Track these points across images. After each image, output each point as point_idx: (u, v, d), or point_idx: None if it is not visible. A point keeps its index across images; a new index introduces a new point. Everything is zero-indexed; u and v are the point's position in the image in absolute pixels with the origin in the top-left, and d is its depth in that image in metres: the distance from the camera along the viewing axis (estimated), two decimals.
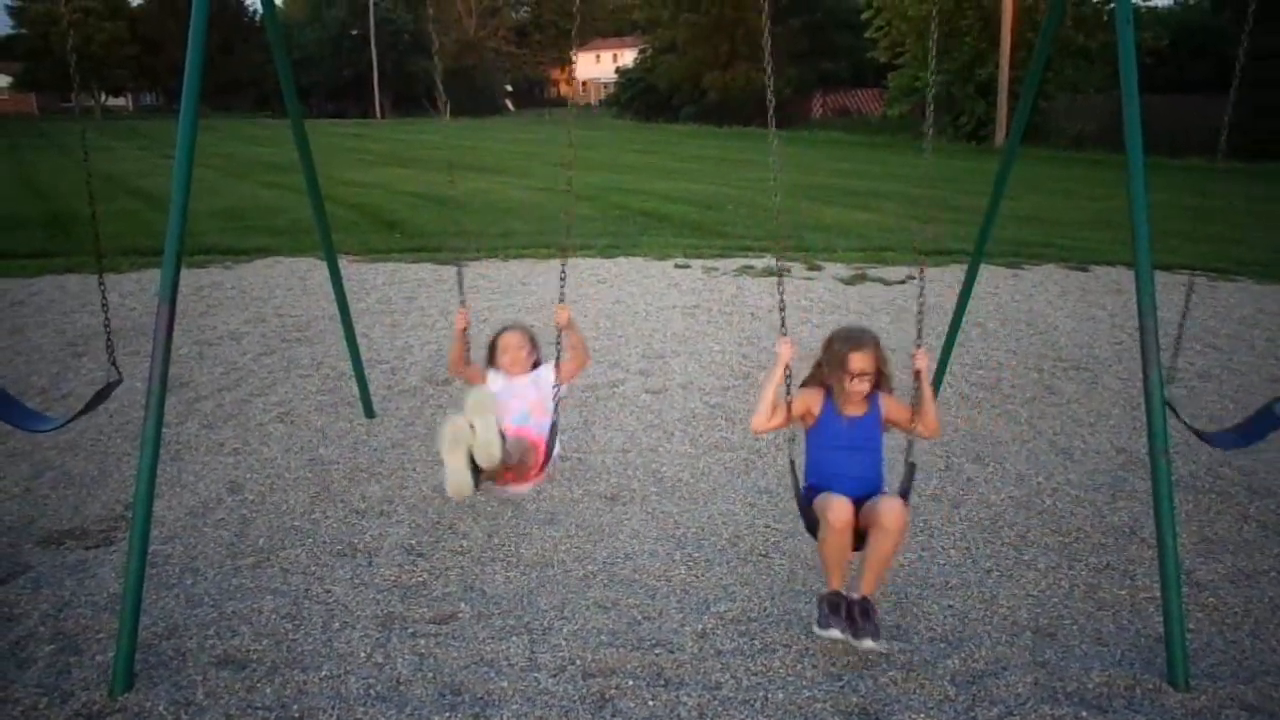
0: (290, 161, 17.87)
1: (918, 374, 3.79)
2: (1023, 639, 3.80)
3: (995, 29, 32.19)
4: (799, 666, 3.59)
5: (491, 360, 4.70)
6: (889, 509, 3.49)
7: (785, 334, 3.86)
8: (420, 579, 4.22)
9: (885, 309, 9.29)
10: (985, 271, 9.39)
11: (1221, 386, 7.05)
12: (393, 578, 4.23)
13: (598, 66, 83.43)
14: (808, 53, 47.30)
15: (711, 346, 7.95)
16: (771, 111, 3.97)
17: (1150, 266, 3.64)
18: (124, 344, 7.36)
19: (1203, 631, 3.88)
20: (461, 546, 4.53)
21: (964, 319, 6.27)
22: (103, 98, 71.47)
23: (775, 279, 10.51)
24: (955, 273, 10.56)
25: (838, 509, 3.49)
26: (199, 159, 3.83)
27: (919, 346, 3.81)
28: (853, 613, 3.51)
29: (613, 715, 3.30)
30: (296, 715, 3.28)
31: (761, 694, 3.42)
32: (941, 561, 4.44)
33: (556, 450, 4.37)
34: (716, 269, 11.11)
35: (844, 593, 3.58)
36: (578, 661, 3.61)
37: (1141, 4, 33.47)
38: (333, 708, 3.31)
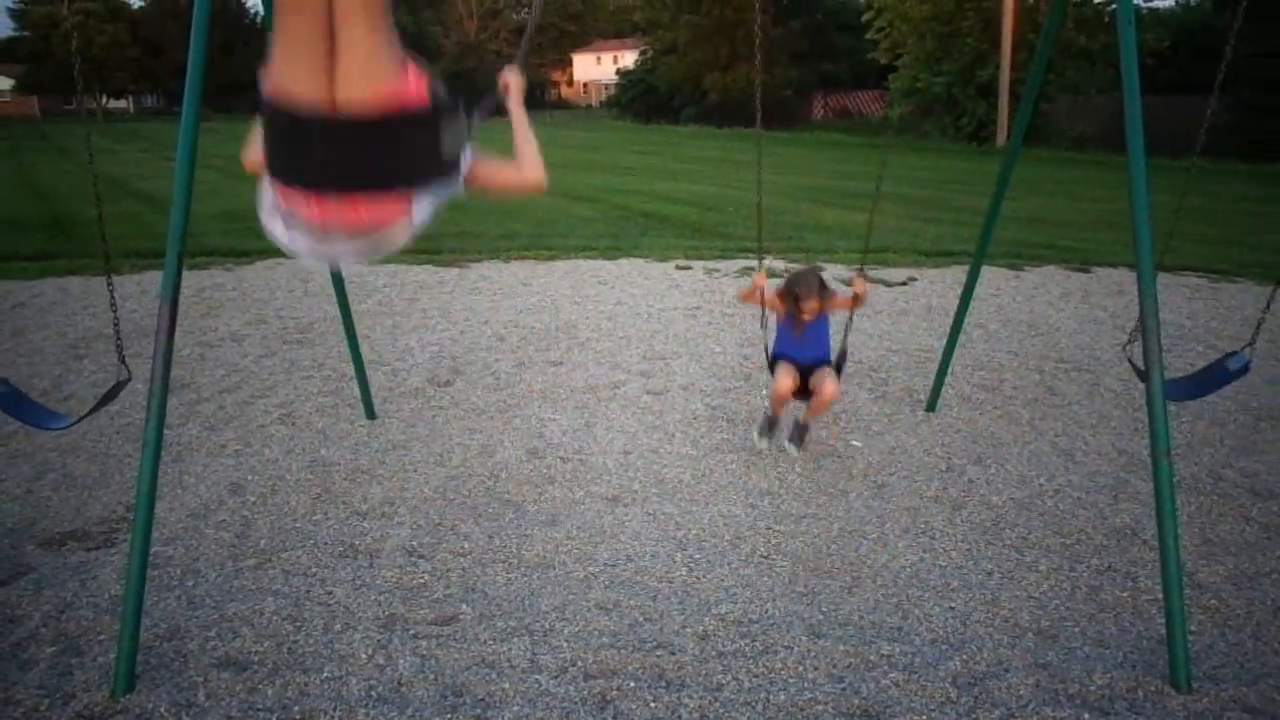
0: None
1: (856, 297, 5.48)
2: (1024, 641, 3.80)
3: (996, 30, 32.20)
4: (801, 668, 3.59)
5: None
6: (827, 386, 5.17)
7: (763, 266, 5.64)
8: (421, 580, 4.22)
9: (885, 310, 9.28)
10: (987, 272, 9.41)
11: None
12: (394, 579, 4.23)
13: (598, 68, 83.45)
14: (808, 54, 47.35)
15: (713, 348, 7.95)
16: (759, 114, 5.31)
17: (1152, 268, 3.64)
18: (126, 346, 7.28)
19: (1205, 633, 3.87)
20: (463, 548, 4.53)
21: (965, 320, 6.27)
22: (104, 100, 71.56)
23: (776, 280, 10.51)
24: (957, 274, 10.57)
25: (781, 384, 5.24)
26: (200, 160, 3.83)
27: (860, 272, 5.84)
28: (792, 431, 5.54)
29: (614, 717, 3.30)
30: (298, 717, 3.28)
31: (763, 695, 3.42)
32: (943, 563, 4.44)
33: (429, 208, 3.01)
34: (718, 270, 11.11)
35: (778, 416, 5.50)
36: (579, 663, 3.61)
37: (1143, 5, 33.51)
38: (334, 709, 3.31)
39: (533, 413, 6.39)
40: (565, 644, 3.73)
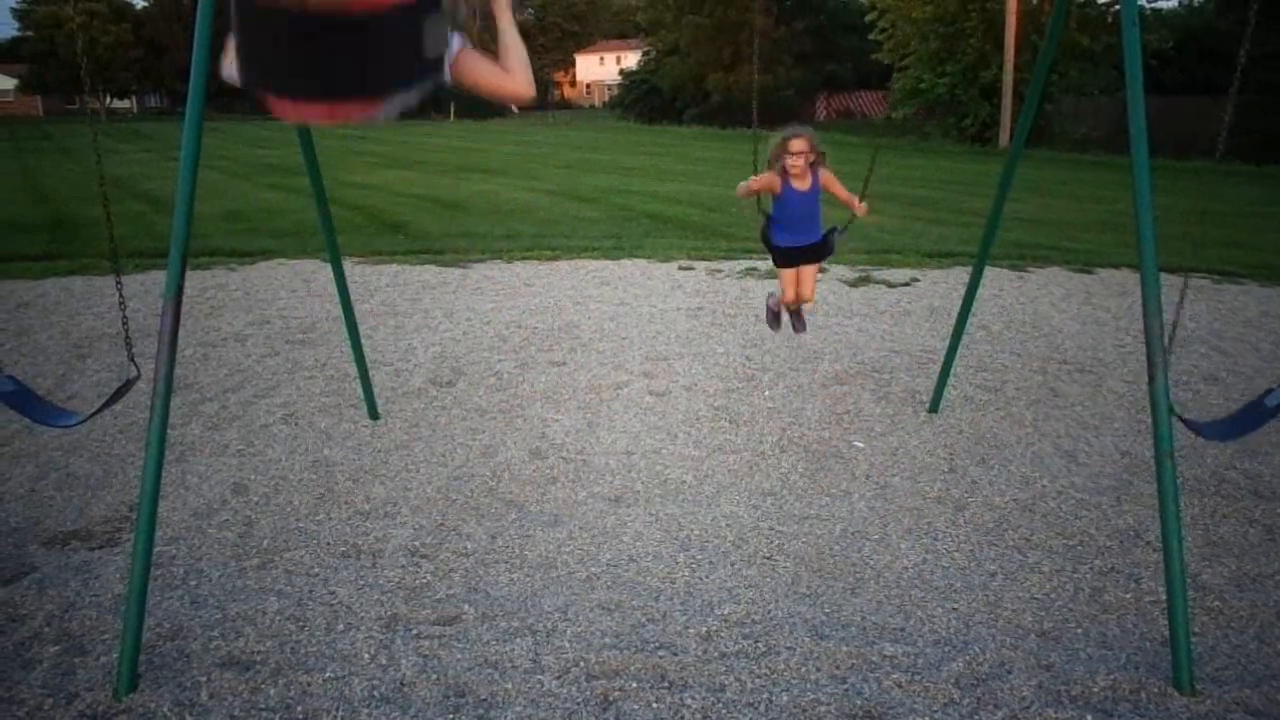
0: (294, 163, 17.92)
1: (857, 210, 5.79)
2: (1027, 642, 3.79)
3: (999, 31, 32.17)
4: (803, 669, 3.59)
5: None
6: (806, 283, 5.94)
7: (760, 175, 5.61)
8: (424, 580, 4.22)
9: (890, 310, 9.28)
10: (989, 274, 9.40)
11: (1227, 390, 7.03)
12: (397, 579, 4.23)
13: (601, 69, 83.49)
14: (811, 55, 47.34)
15: (715, 349, 7.95)
16: (755, 113, 5.53)
17: (1156, 269, 3.64)
18: (131, 346, 7.36)
19: (1208, 635, 3.87)
20: (465, 548, 4.54)
21: (968, 321, 6.26)
22: (108, 100, 71.64)
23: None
24: (959, 275, 10.56)
25: (786, 296, 5.96)
26: (204, 161, 3.84)
27: (862, 199, 5.80)
28: (793, 320, 6.20)
29: (616, 717, 3.30)
30: (300, 717, 3.29)
31: (766, 696, 3.42)
32: (945, 564, 4.43)
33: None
34: (721, 271, 11.11)
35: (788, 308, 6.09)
36: (582, 664, 3.61)
37: (1147, 6, 33.45)
38: (336, 709, 3.32)
39: (535, 413, 6.39)
40: (568, 644, 3.73)
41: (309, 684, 3.46)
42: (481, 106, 54.18)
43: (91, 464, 5.51)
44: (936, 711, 3.34)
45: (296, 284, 10.26)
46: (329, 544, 4.56)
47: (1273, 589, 4.24)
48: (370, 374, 6.30)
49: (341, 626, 3.85)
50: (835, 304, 9.57)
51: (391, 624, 3.87)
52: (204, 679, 3.48)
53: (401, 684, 3.47)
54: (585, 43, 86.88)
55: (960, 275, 10.44)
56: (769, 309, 6.37)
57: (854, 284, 10.51)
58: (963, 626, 3.91)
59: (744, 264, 11.53)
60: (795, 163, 5.49)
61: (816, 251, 5.77)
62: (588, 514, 4.93)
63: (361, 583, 4.20)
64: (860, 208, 5.71)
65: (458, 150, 32.29)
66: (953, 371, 6.49)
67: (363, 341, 6.25)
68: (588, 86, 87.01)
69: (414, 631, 3.81)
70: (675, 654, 3.67)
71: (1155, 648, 3.75)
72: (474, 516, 4.88)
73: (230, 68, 2.71)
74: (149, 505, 3.50)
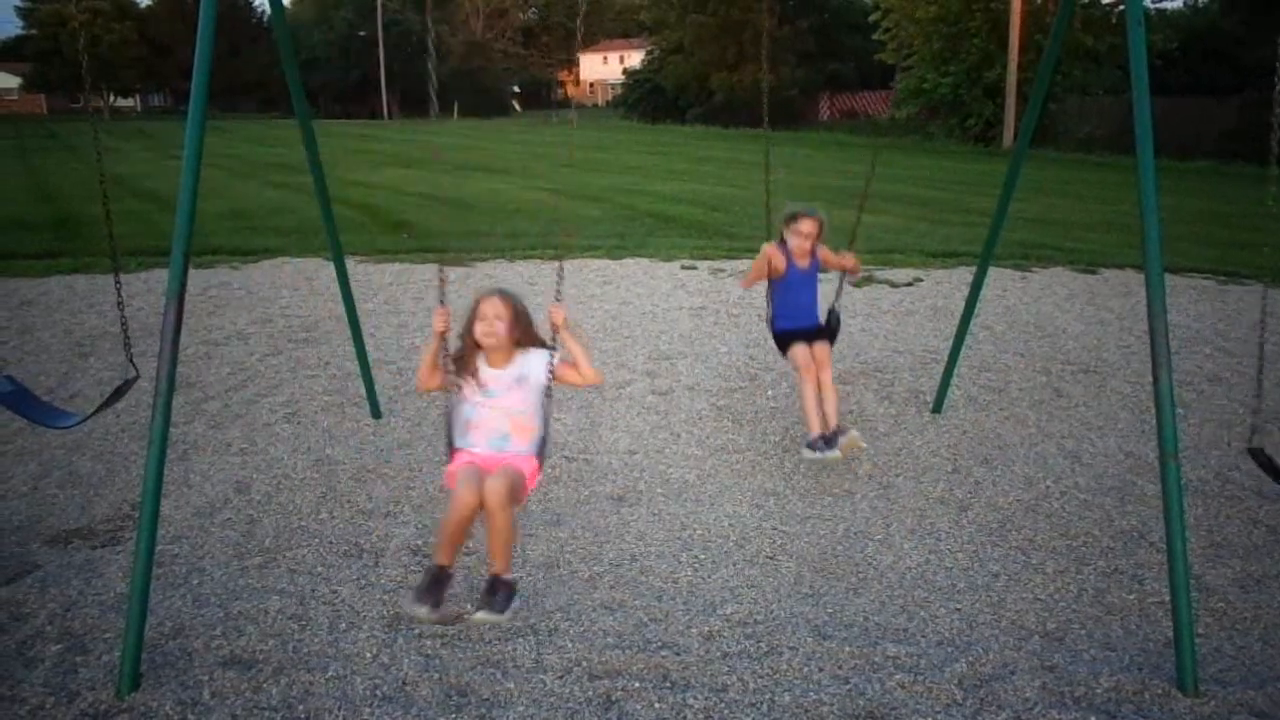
0: (297, 162, 17.91)
1: (850, 269, 5.73)
2: (1030, 643, 3.78)
3: (1004, 30, 32.12)
4: (806, 669, 3.58)
5: (469, 331, 3.99)
6: (819, 355, 5.44)
7: (773, 241, 5.54)
8: None
9: (892, 310, 9.27)
10: (993, 274, 9.37)
11: (1231, 390, 7.02)
12: (399, 578, 4.22)
13: (605, 68, 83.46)
14: (815, 54, 47.29)
15: (718, 348, 7.94)
16: (766, 112, 5.28)
17: (1161, 269, 3.63)
18: (132, 344, 7.35)
19: (1212, 637, 3.86)
20: (467, 547, 4.52)
21: (972, 321, 6.25)
22: (111, 99, 71.71)
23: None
24: (963, 275, 10.55)
25: (803, 356, 5.40)
26: (206, 159, 3.83)
27: (851, 247, 5.79)
28: (831, 438, 5.24)
29: (619, 717, 3.29)
30: (303, 716, 3.28)
31: (768, 697, 3.41)
32: (949, 565, 4.43)
33: (547, 453, 3.80)
34: (724, 270, 11.10)
35: (822, 429, 5.30)
36: (584, 663, 3.60)
37: (1151, 6, 33.40)
38: (339, 708, 3.31)
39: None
40: (570, 644, 3.72)
41: (311, 683, 3.46)
42: (484, 105, 54.14)
43: (94, 462, 5.51)
44: (939, 712, 3.33)
45: (299, 282, 10.26)
46: (331, 543, 4.56)
47: (1277, 590, 4.23)
48: (373, 373, 6.30)
49: (344, 625, 3.84)
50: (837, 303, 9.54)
51: (394, 623, 3.87)
52: (206, 678, 3.47)
53: (403, 683, 3.47)
54: (589, 42, 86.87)
55: (964, 275, 10.43)
56: (811, 448, 5.30)
57: (857, 284, 10.49)
58: (966, 627, 3.90)
59: (747, 263, 11.50)
60: (802, 245, 5.49)
61: (821, 332, 5.61)
62: (590, 513, 4.92)
63: (364, 582, 4.19)
64: (852, 263, 5.67)
65: (461, 149, 32.28)
66: (956, 372, 6.48)
67: (365, 340, 6.24)
68: (591, 86, 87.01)
69: (416, 631, 3.81)
70: (678, 654, 3.67)
71: (1159, 649, 3.74)
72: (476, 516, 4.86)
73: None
74: (151, 504, 3.50)
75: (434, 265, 11.23)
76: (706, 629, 3.84)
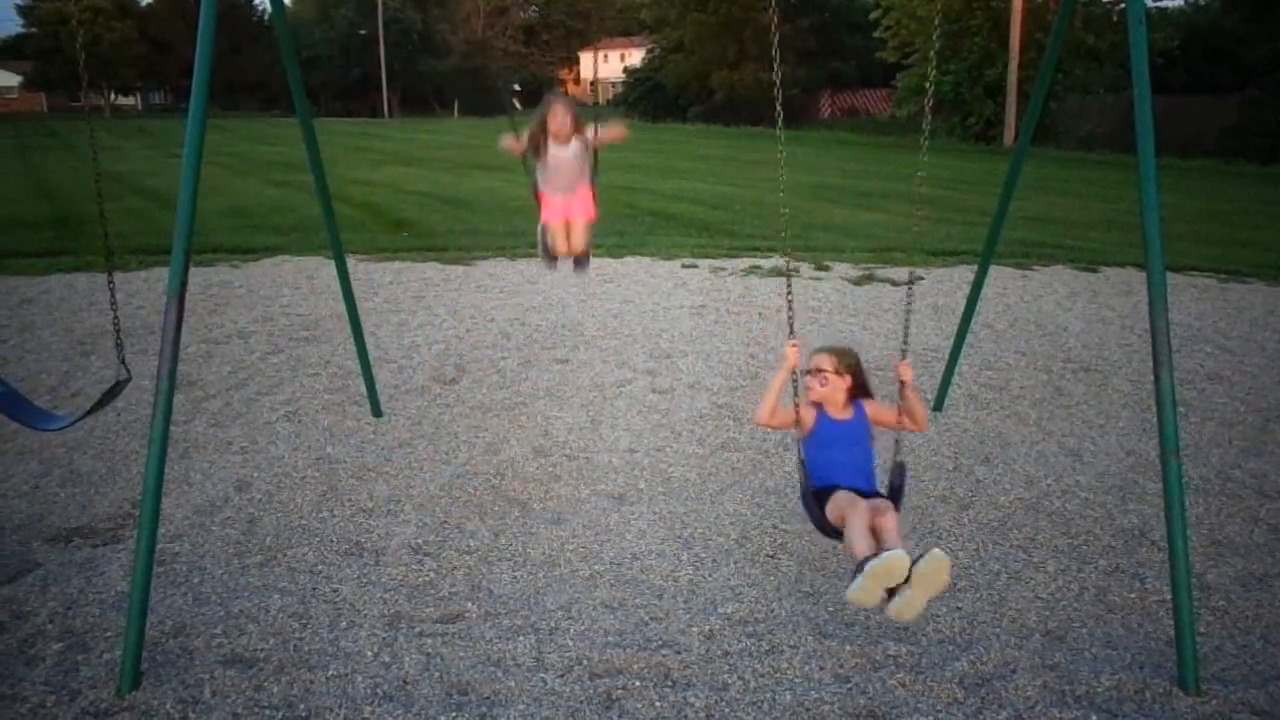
0: (298, 160, 17.91)
1: (903, 383, 4.02)
2: (1032, 642, 3.78)
3: (1005, 29, 32.11)
4: (806, 668, 3.58)
5: (542, 127, 5.10)
6: (881, 509, 3.71)
7: (794, 339, 3.97)
8: (427, 578, 4.22)
9: (893, 309, 9.26)
10: (994, 272, 9.38)
11: (1232, 389, 7.02)
12: (400, 577, 4.22)
13: (605, 66, 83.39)
14: (816, 52, 47.25)
15: (719, 346, 7.94)
16: (780, 107, 4.20)
17: (1162, 268, 3.62)
18: (132, 342, 7.37)
19: (1213, 635, 3.85)
20: (468, 546, 4.53)
21: (973, 320, 6.25)
22: (111, 97, 71.71)
23: (783, 279, 10.50)
24: (964, 273, 10.54)
25: (860, 510, 3.65)
26: (207, 157, 3.83)
27: (904, 356, 4.06)
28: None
29: (620, 716, 3.29)
30: (303, 714, 3.28)
31: (769, 695, 3.41)
32: (950, 563, 4.41)
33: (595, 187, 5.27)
34: (724, 269, 11.10)
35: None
36: (585, 662, 3.60)
37: (1152, 5, 33.39)
38: (339, 707, 3.31)
39: (539, 411, 6.38)
40: (571, 642, 3.72)
41: (312, 681, 3.46)
42: (485, 104, 54.16)
43: (95, 461, 5.51)
44: (940, 711, 3.33)
45: (300, 281, 10.26)
46: (332, 541, 4.56)
47: (1278, 589, 4.23)
48: (373, 371, 6.30)
49: (344, 624, 3.84)
50: (838, 302, 9.55)
51: (394, 622, 3.87)
52: (207, 676, 3.47)
53: (404, 682, 3.47)
54: (589, 40, 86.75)
55: (965, 274, 10.42)
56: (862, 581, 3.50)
57: (857, 282, 10.50)
58: (967, 626, 3.90)
59: (747, 262, 11.52)
60: (813, 384, 4.02)
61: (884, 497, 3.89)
62: (591, 512, 4.92)
63: (364, 580, 4.19)
64: (906, 374, 4.01)
65: (461, 147, 32.27)
66: (957, 370, 6.47)
67: (366, 339, 6.24)
68: (591, 84, 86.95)
69: (417, 629, 3.81)
70: (678, 652, 3.66)
71: (1160, 647, 3.74)
72: (477, 514, 4.87)
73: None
74: (152, 502, 3.50)
75: (434, 264, 11.22)
76: (707, 627, 3.84)
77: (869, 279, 10.60)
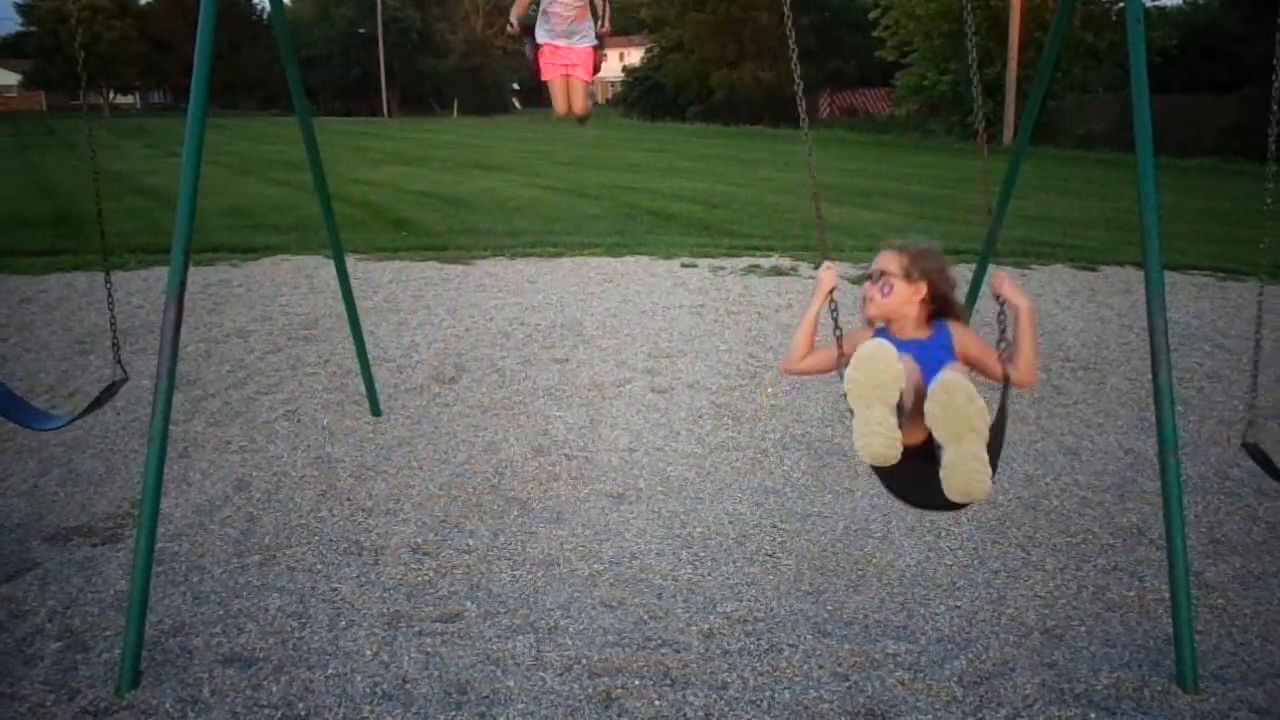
0: (297, 159, 17.90)
1: (999, 297, 3.04)
2: (1030, 640, 3.78)
3: (1003, 28, 32.10)
4: (806, 667, 3.58)
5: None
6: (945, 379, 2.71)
7: (829, 261, 3.29)
8: (426, 577, 4.22)
9: None
10: (993, 271, 9.38)
11: (1231, 387, 7.02)
12: (399, 576, 4.23)
13: (604, 65, 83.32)
14: (815, 51, 47.23)
15: (718, 346, 7.94)
16: (800, 92, 3.86)
17: (1160, 266, 3.63)
18: (131, 341, 7.38)
19: (1211, 633, 3.86)
20: (468, 545, 4.53)
21: (971, 319, 6.24)
22: (111, 96, 71.68)
23: (783, 278, 10.51)
24: (963, 272, 10.52)
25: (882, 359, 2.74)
26: (206, 156, 3.83)
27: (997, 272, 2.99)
28: None
29: (619, 715, 3.29)
30: (302, 713, 3.28)
31: (768, 694, 3.41)
32: (949, 562, 4.42)
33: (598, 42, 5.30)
34: (724, 268, 11.10)
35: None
36: (584, 661, 3.60)
37: (1150, 3, 33.38)
38: (339, 706, 3.31)
39: (538, 410, 6.38)
40: (570, 642, 3.72)
41: (311, 681, 3.46)
42: (485, 103, 54.16)
43: (94, 460, 5.51)
44: (939, 709, 3.33)
45: (299, 280, 10.26)
46: (331, 541, 4.56)
47: (1277, 587, 4.23)
48: (373, 370, 6.30)
49: (343, 623, 3.84)
50: (840, 302, 9.53)
51: (394, 621, 3.87)
52: (206, 675, 3.47)
53: (403, 681, 3.47)
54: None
55: (963, 273, 10.39)
56: None
57: (857, 281, 10.49)
58: (965, 624, 3.90)
59: (747, 261, 11.52)
60: (872, 293, 3.15)
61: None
62: (590, 511, 4.92)
63: (363, 580, 4.19)
64: (1007, 289, 3.26)
65: (461, 147, 32.28)
66: None
67: (365, 338, 6.24)
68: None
69: (416, 629, 3.81)
70: (677, 651, 3.67)
71: (1159, 645, 3.74)
72: (476, 513, 4.87)
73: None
74: (151, 501, 3.50)
75: (433, 263, 11.21)
76: (706, 626, 3.84)
77: (868, 278, 10.59)
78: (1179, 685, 3.46)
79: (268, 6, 5.02)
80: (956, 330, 3.02)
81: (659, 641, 3.73)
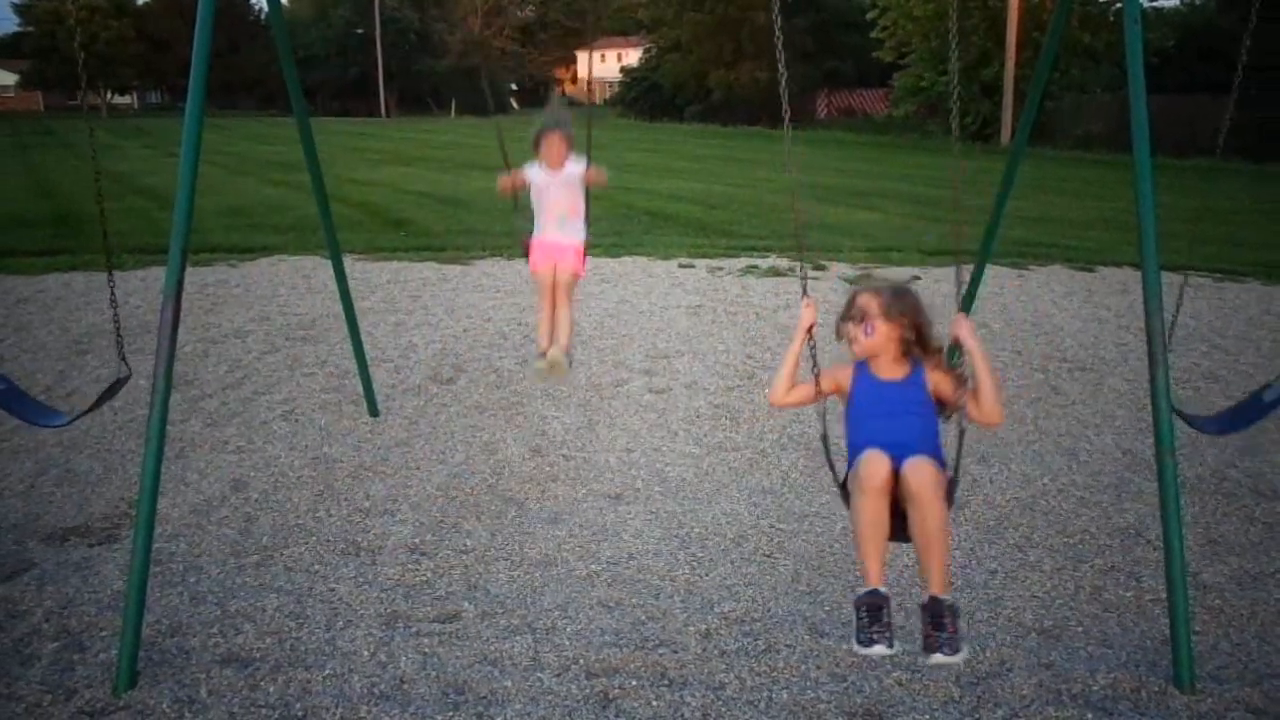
0: (295, 160, 17.88)
1: (956, 341, 3.25)
2: (1028, 640, 3.79)
3: (1001, 28, 32.13)
4: (803, 667, 3.58)
5: (535, 150, 5.25)
6: (913, 468, 2.94)
7: (808, 297, 3.40)
8: (424, 578, 4.22)
9: None
10: (990, 272, 9.39)
11: (1227, 388, 7.03)
12: (396, 576, 4.22)
13: (603, 66, 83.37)
14: (813, 52, 47.26)
15: (716, 346, 7.94)
16: (784, 98, 3.62)
17: (1158, 267, 3.63)
18: (129, 341, 7.28)
19: (1208, 634, 3.86)
20: (465, 545, 4.53)
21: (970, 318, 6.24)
22: (109, 96, 71.60)
23: (780, 278, 10.52)
24: (961, 273, 10.53)
25: (872, 463, 2.95)
26: (204, 157, 3.83)
27: (960, 312, 3.34)
28: (927, 618, 2.97)
29: (616, 715, 3.29)
30: (300, 714, 3.28)
31: (766, 694, 3.42)
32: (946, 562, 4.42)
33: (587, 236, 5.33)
34: (721, 268, 11.10)
35: (886, 592, 2.98)
36: (581, 661, 3.60)
37: (1148, 4, 33.39)
38: (336, 706, 3.31)
39: (535, 410, 6.38)
40: (568, 642, 3.72)
41: (308, 681, 3.46)
42: (483, 104, 54.12)
43: (91, 460, 5.50)
44: (936, 709, 3.34)
45: (297, 280, 10.25)
46: (329, 541, 4.56)
47: (1273, 587, 4.24)
48: (370, 371, 6.29)
49: (341, 623, 3.84)
50: (837, 302, 9.50)
51: (391, 621, 3.87)
52: (203, 675, 3.47)
53: (401, 681, 3.47)
54: (585, 39, 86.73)
55: (961, 273, 10.42)
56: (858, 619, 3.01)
57: (856, 281, 10.50)
58: (963, 624, 3.89)
59: (744, 261, 11.53)
60: (854, 334, 3.22)
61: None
62: (588, 511, 4.92)
63: (361, 580, 4.19)
64: (965, 330, 3.35)
65: (459, 147, 32.26)
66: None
67: (363, 338, 6.24)
68: (589, 83, 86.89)
69: (414, 629, 3.81)
70: (675, 651, 3.67)
71: (1156, 646, 3.74)
72: (474, 514, 4.87)
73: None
74: (148, 502, 3.50)
75: (431, 264, 11.21)
76: (704, 627, 3.84)
77: (867, 279, 10.59)
78: (1176, 686, 3.47)
79: (265, 6, 5.02)
80: (930, 371, 3.21)
81: (656, 642, 3.73)
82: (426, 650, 3.66)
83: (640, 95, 56.28)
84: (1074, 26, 29.95)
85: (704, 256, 11.86)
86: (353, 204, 16.22)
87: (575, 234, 5.35)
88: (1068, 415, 6.43)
